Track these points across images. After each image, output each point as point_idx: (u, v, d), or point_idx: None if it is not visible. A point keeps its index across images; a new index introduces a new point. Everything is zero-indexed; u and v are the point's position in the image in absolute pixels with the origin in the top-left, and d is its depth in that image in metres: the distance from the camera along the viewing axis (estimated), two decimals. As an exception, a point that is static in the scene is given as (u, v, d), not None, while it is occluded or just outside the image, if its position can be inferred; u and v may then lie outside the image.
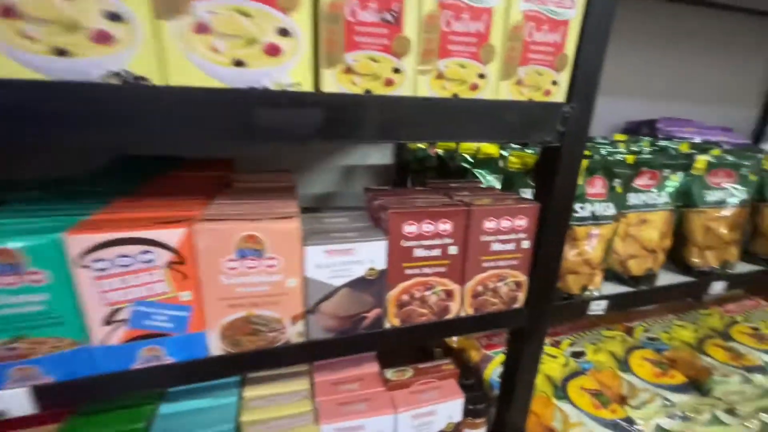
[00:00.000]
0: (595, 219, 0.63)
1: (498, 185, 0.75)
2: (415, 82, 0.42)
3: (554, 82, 0.48)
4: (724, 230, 0.76)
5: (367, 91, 0.41)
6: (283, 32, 0.37)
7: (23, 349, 0.40)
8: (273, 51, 0.37)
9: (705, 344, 1.02)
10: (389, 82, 0.41)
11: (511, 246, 0.56)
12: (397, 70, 0.41)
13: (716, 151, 0.85)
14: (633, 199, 0.70)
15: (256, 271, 0.45)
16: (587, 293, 0.65)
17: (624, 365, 0.93)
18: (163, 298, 0.43)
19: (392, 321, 0.53)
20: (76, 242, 0.38)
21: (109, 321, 0.41)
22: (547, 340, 0.96)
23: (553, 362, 0.88)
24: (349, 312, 0.51)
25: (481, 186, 0.69)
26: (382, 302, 0.52)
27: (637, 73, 1.20)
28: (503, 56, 0.45)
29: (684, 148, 0.91)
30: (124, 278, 0.41)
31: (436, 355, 0.94)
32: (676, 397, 0.85)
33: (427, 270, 0.53)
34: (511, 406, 0.67)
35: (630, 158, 0.68)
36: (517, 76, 0.46)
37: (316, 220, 0.55)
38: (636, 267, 0.72)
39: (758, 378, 0.90)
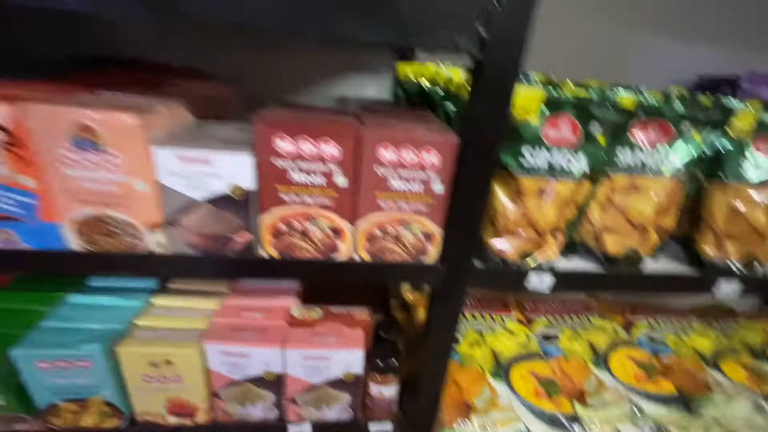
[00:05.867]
0: (553, 172, 0.50)
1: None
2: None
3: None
4: (761, 216, 0.57)
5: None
6: None
7: None
8: None
9: (722, 358, 0.84)
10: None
11: (417, 186, 0.46)
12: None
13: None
14: (624, 156, 0.54)
15: (97, 166, 0.41)
16: (528, 262, 0.54)
17: (601, 360, 0.80)
18: (5, 181, 0.41)
19: (268, 250, 0.48)
20: None
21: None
22: (516, 315, 0.85)
23: (508, 338, 0.78)
24: (213, 231, 0.46)
25: (421, 115, 0.57)
26: (252, 227, 0.46)
27: (717, 9, 0.91)
28: None
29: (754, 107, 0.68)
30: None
31: (391, 306, 0.89)
32: (653, 408, 0.71)
33: (308, 199, 0.46)
34: (424, 370, 0.60)
35: (627, 101, 0.51)
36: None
37: (200, 127, 0.49)
38: (613, 244, 0.57)
39: (776, 410, 0.72)
